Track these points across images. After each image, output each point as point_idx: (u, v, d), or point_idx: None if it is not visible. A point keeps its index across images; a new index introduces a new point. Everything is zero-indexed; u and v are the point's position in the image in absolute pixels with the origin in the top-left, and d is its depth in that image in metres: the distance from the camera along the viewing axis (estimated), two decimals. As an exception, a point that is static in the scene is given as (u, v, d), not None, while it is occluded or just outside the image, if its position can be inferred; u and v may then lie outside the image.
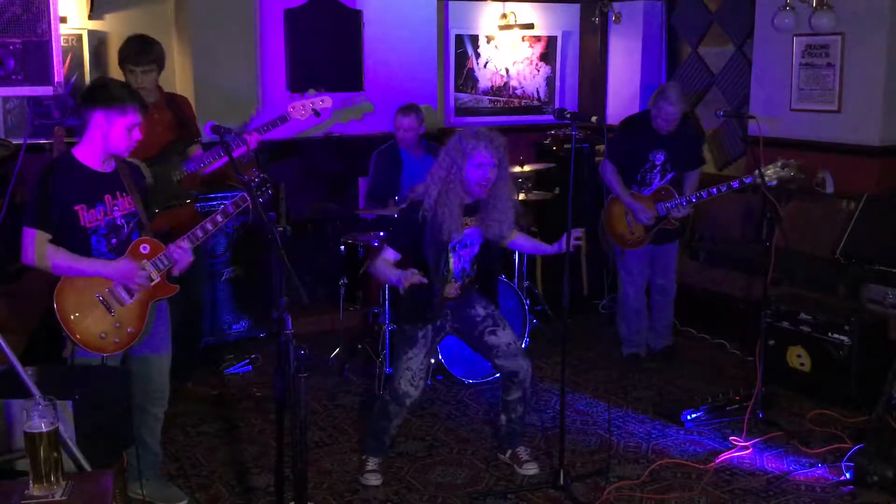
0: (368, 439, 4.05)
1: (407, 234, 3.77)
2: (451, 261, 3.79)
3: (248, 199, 3.29)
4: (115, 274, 3.30)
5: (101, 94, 3.27)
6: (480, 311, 3.91)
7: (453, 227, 3.66)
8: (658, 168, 5.07)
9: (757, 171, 4.52)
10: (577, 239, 3.74)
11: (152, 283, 3.37)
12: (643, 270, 5.26)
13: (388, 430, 3.98)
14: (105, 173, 3.33)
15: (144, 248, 3.38)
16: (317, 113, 4.46)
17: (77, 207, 3.24)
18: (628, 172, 5.11)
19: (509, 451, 4.11)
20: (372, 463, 3.99)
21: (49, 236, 3.22)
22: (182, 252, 3.38)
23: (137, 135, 3.29)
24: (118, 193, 3.35)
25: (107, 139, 3.25)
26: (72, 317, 3.27)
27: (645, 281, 5.30)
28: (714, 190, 4.86)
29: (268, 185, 3.47)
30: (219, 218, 3.46)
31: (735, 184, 4.78)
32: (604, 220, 5.23)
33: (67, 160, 3.30)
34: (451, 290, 3.85)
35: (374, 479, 3.92)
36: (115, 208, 3.33)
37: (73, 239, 3.26)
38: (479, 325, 3.89)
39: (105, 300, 3.32)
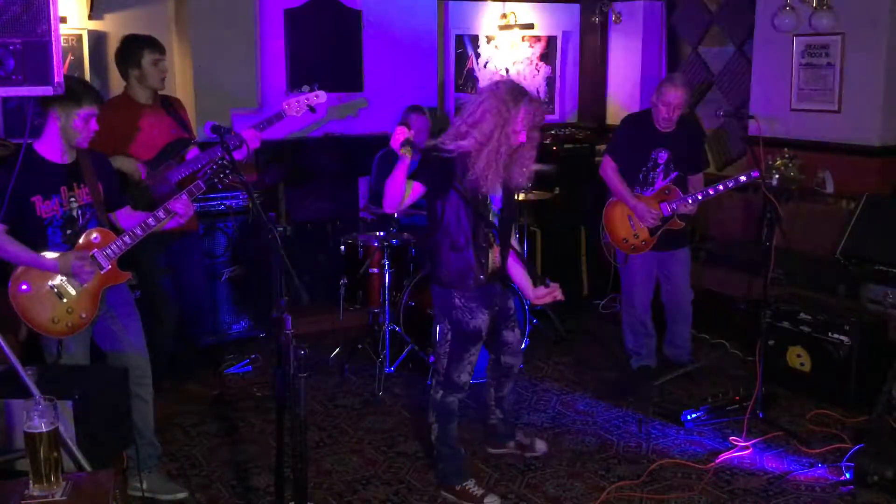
0: (449, 466, 3.81)
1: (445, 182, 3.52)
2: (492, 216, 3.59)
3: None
4: (63, 269, 3.38)
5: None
6: (512, 304, 3.97)
7: (494, 182, 3.49)
8: (661, 167, 4.90)
9: (763, 165, 4.47)
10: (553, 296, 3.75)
11: (102, 272, 3.46)
12: (649, 278, 5.06)
13: (455, 433, 3.83)
14: (63, 165, 3.43)
15: (96, 239, 3.48)
16: (312, 109, 4.46)
17: (33, 199, 3.35)
18: (630, 171, 4.92)
19: (512, 442, 4.16)
20: (473, 485, 3.76)
21: (5, 227, 3.32)
22: (184, 204, 3.49)
23: (94, 125, 3.37)
24: (75, 185, 3.44)
25: (65, 131, 3.35)
26: (24, 302, 3.38)
27: (651, 289, 5.11)
28: (721, 186, 4.71)
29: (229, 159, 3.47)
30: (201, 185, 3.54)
31: (742, 178, 4.64)
32: (604, 224, 5.01)
33: (27, 154, 3.35)
34: (494, 258, 3.66)
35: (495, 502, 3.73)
36: (72, 199, 3.43)
37: (30, 230, 3.37)
38: (507, 319, 3.92)
39: (56, 288, 3.41)
